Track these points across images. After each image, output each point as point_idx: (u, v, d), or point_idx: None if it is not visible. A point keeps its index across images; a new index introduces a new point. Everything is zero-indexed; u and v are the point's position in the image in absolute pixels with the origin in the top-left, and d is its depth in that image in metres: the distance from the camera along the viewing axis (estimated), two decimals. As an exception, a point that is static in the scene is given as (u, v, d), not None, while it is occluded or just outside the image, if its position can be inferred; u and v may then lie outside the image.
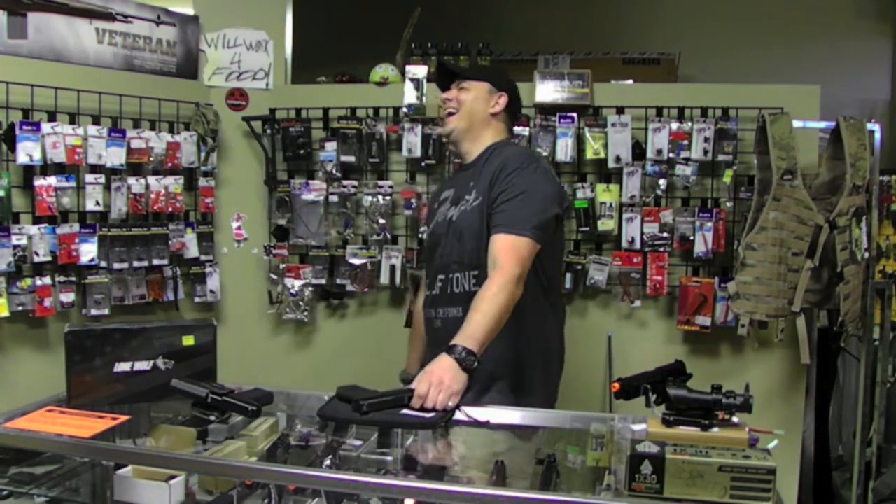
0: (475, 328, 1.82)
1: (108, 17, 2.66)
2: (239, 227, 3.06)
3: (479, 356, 1.79)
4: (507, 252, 1.92)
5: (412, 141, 2.87)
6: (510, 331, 1.95)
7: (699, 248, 2.75)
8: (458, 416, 1.70)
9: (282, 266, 2.99)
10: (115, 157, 2.57)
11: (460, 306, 2.02)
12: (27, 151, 2.37)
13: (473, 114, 2.14)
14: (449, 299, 2.10)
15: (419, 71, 2.85)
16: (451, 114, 2.16)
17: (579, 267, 2.84)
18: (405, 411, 1.66)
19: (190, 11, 2.94)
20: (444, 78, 2.24)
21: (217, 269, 2.93)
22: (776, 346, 2.70)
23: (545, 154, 2.80)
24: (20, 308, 2.41)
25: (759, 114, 2.65)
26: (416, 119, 2.88)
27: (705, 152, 2.72)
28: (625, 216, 2.80)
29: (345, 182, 2.93)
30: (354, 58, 3.27)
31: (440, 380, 1.71)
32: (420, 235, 2.86)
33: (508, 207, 1.98)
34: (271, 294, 3.02)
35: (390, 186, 2.91)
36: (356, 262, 2.93)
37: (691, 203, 2.80)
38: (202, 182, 2.89)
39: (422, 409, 1.68)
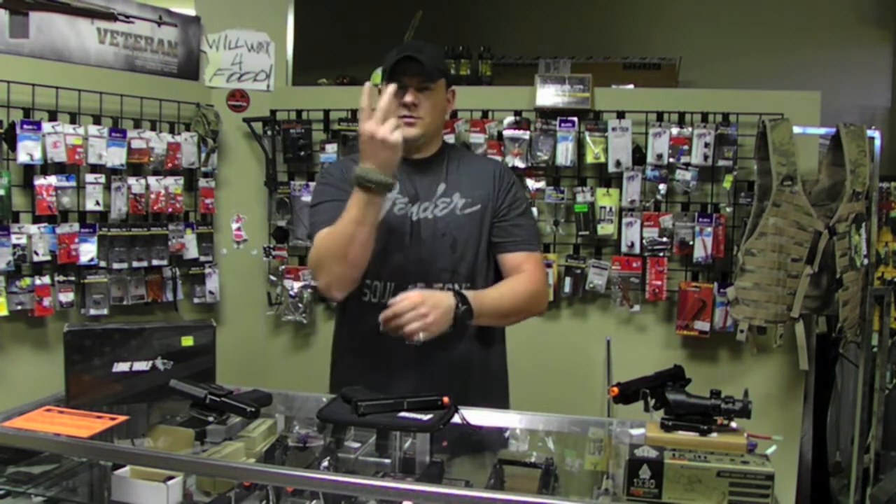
0: (486, 299, 1.80)
1: (110, 17, 2.67)
2: (239, 229, 3.06)
3: (471, 321, 1.76)
4: (539, 267, 1.94)
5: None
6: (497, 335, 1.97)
7: (698, 253, 2.75)
8: (456, 419, 1.70)
9: (281, 268, 2.99)
10: (115, 157, 2.57)
11: None
12: (28, 151, 2.37)
13: (439, 116, 1.94)
14: None
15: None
16: (415, 117, 1.88)
17: (578, 271, 2.85)
18: (403, 414, 1.66)
19: (191, 12, 2.94)
20: (406, 63, 1.88)
21: (216, 270, 2.93)
22: (775, 351, 2.70)
23: (545, 158, 2.81)
24: (19, 307, 2.41)
25: (760, 120, 2.65)
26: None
27: (705, 157, 2.72)
28: (624, 221, 2.80)
29: (345, 184, 2.92)
30: (355, 60, 3.27)
31: (427, 313, 1.67)
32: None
33: (524, 223, 1.96)
34: (270, 295, 3.03)
35: (390, 189, 2.90)
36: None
37: (691, 208, 2.80)
38: (202, 183, 2.89)
39: (393, 319, 1.66)
